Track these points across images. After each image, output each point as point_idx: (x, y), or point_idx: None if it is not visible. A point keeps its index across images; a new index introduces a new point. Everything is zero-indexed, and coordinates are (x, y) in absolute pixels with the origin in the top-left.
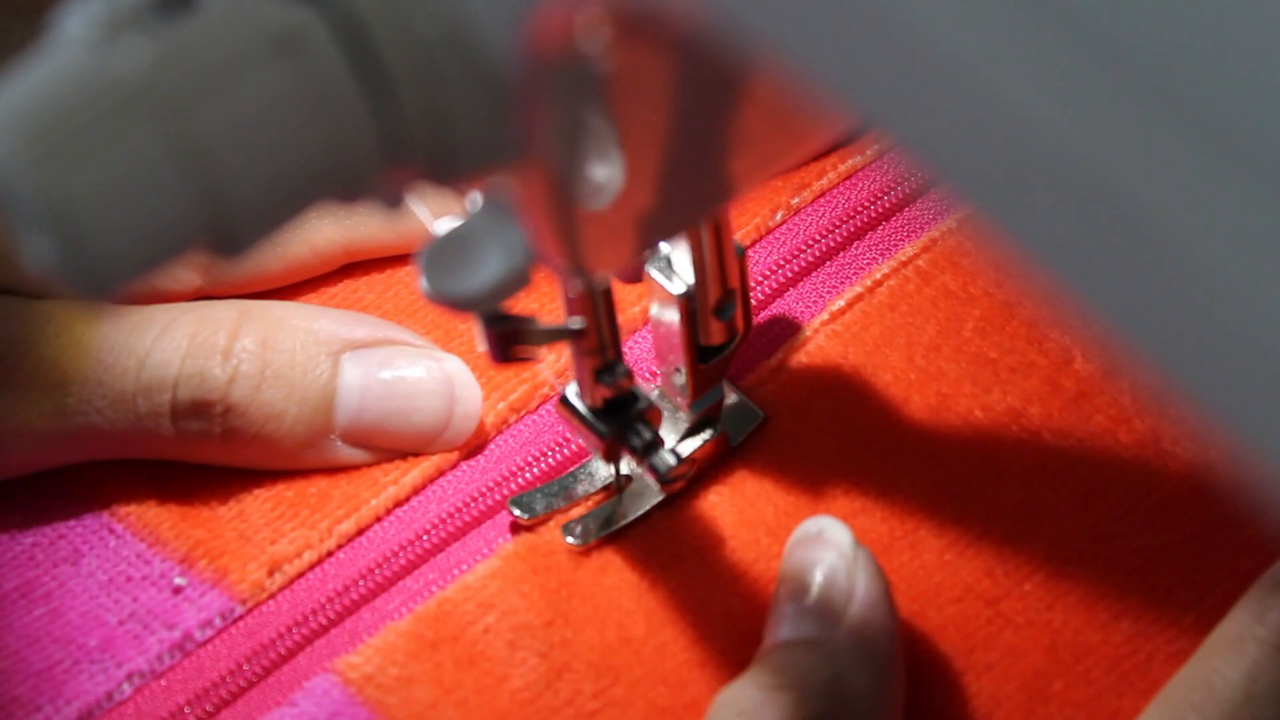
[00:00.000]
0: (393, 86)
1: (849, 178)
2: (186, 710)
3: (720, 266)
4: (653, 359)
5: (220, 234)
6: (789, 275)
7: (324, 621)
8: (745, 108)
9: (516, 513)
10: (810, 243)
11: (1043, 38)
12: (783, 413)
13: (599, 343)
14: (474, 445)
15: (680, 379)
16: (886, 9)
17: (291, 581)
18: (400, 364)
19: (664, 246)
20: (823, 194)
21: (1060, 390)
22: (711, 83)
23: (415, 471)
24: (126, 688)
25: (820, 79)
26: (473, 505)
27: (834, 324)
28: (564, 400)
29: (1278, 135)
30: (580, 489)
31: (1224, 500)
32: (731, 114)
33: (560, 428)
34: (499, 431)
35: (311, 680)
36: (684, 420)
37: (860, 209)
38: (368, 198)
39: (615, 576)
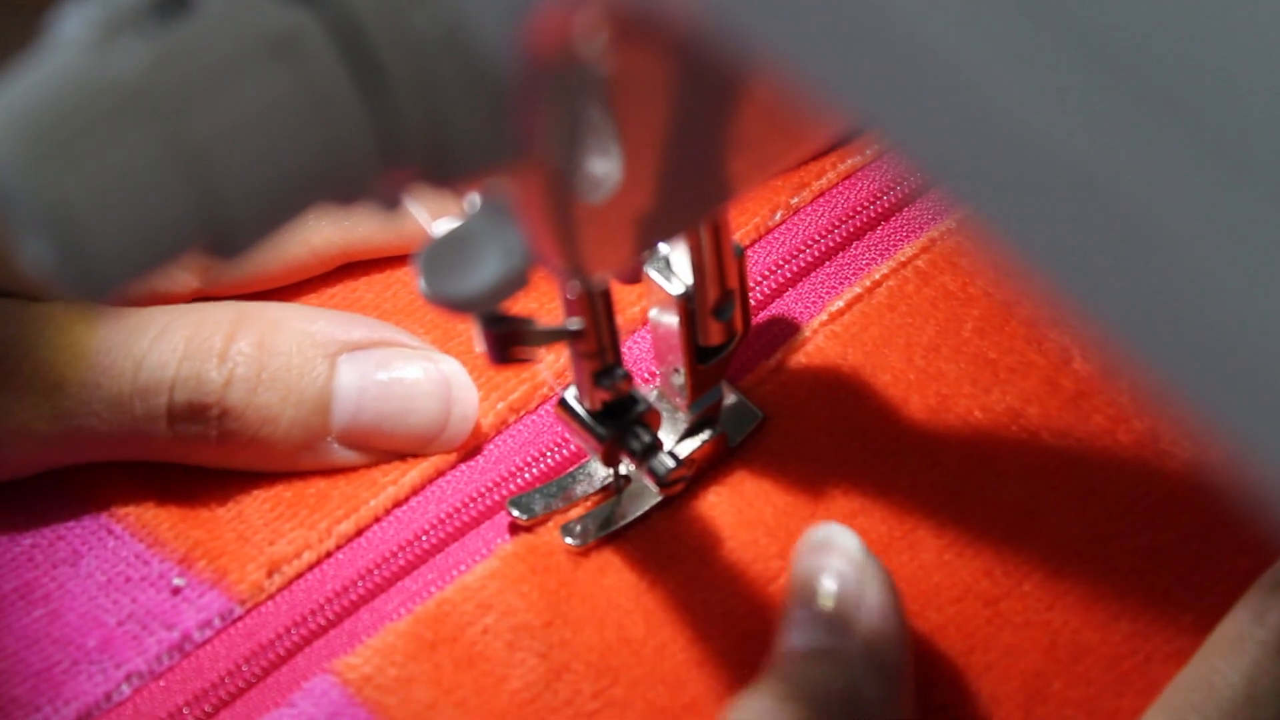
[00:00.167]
0: (390, 88)
1: (848, 178)
2: (185, 711)
3: (719, 267)
4: (651, 359)
5: (218, 235)
6: (788, 275)
7: (323, 622)
8: (744, 109)
9: (515, 513)
10: (809, 243)
11: (1036, 40)
12: (782, 413)
13: (598, 345)
14: (473, 446)
15: (679, 379)
16: (882, 12)
17: (290, 582)
18: (397, 365)
19: (663, 247)
20: (822, 194)
21: (1059, 390)
22: (710, 84)
23: (414, 472)
24: (125, 688)
25: (815, 81)
26: (472, 506)
27: (833, 324)
28: (563, 403)
29: (1270, 136)
30: (579, 489)
31: (1222, 500)
32: (730, 115)
33: (559, 428)
34: (498, 432)
35: (310, 681)
36: (683, 421)
37: (859, 209)
38: (366, 199)
39: (614, 577)
